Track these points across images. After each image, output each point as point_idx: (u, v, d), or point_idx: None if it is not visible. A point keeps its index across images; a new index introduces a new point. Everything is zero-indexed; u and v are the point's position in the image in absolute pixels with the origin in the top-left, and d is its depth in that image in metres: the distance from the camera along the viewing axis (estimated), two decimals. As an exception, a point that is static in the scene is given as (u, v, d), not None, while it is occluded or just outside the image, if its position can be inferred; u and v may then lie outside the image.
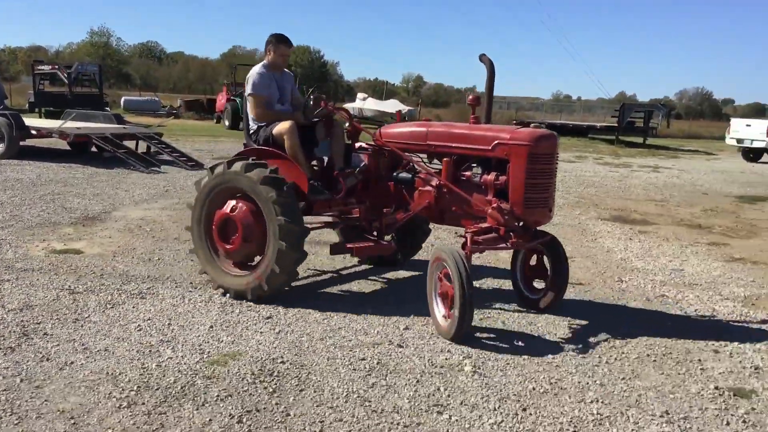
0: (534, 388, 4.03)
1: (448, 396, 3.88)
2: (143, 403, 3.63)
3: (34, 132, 14.05)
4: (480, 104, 5.40)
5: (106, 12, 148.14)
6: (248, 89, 5.92)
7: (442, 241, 7.78)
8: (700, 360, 4.61)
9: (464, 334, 4.62)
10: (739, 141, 24.73)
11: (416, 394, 3.89)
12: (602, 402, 3.88)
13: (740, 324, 5.45)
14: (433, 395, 3.88)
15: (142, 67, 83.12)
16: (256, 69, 5.97)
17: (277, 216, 5.16)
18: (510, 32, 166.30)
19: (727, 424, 3.71)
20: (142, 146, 14.64)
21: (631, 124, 31.71)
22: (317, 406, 3.70)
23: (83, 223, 8.14)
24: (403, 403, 3.78)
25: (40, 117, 22.38)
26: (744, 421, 3.74)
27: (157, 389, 3.80)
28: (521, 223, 5.00)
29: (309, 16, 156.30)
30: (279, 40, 6.00)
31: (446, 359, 4.39)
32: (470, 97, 5.33)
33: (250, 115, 5.98)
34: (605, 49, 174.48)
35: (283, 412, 3.62)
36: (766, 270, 7.30)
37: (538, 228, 5.19)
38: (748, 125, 24.70)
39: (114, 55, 79.82)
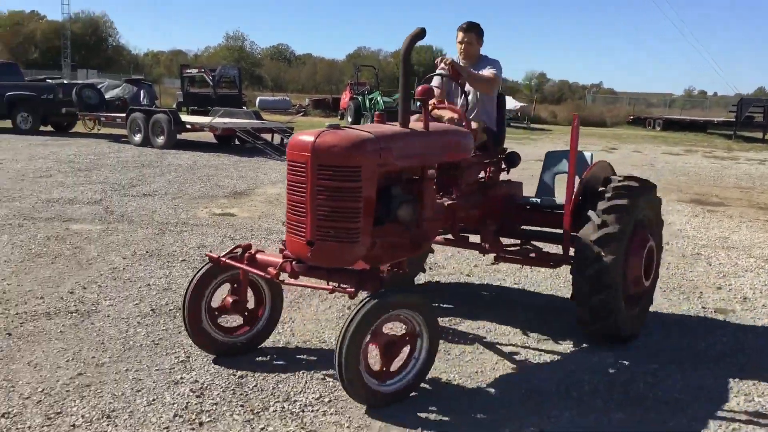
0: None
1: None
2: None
3: (188, 126, 16.61)
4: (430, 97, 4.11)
5: (240, 17, 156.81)
6: None
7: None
8: (702, 292, 5.95)
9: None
10: None
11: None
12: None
13: (750, 272, 6.67)
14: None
15: (273, 69, 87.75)
16: None
17: None
18: (639, 26, 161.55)
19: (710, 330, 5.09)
20: (277, 139, 16.90)
21: (750, 119, 31.40)
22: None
23: (233, 196, 10.22)
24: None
25: (188, 115, 25.29)
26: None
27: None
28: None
29: (435, 15, 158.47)
30: (458, 28, 5.30)
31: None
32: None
33: None
34: (744, 44, 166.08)
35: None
36: (807, 240, 8.33)
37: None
38: None
39: (248, 58, 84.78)
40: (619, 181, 4.63)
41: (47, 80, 23.45)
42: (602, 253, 4.30)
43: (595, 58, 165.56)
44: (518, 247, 5.23)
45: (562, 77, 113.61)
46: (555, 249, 5.29)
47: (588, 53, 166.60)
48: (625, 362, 4.37)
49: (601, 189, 4.62)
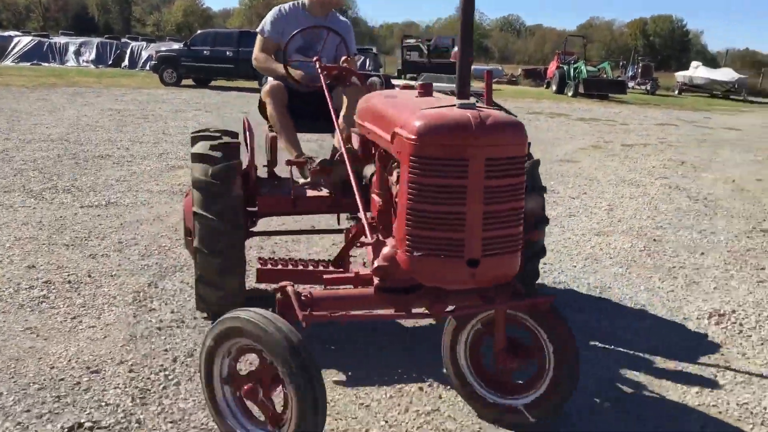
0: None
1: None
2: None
3: (397, 88, 19.45)
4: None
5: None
6: (259, 27, 4.58)
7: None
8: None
9: None
10: None
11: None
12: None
13: None
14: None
15: (500, 40, 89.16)
16: (284, 5, 4.53)
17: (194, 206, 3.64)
18: None
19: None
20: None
21: None
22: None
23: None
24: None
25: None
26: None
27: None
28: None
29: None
30: None
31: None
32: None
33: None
34: None
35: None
36: None
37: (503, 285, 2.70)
38: None
39: (476, 30, 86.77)
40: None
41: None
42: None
43: None
44: None
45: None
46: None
47: None
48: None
49: None
